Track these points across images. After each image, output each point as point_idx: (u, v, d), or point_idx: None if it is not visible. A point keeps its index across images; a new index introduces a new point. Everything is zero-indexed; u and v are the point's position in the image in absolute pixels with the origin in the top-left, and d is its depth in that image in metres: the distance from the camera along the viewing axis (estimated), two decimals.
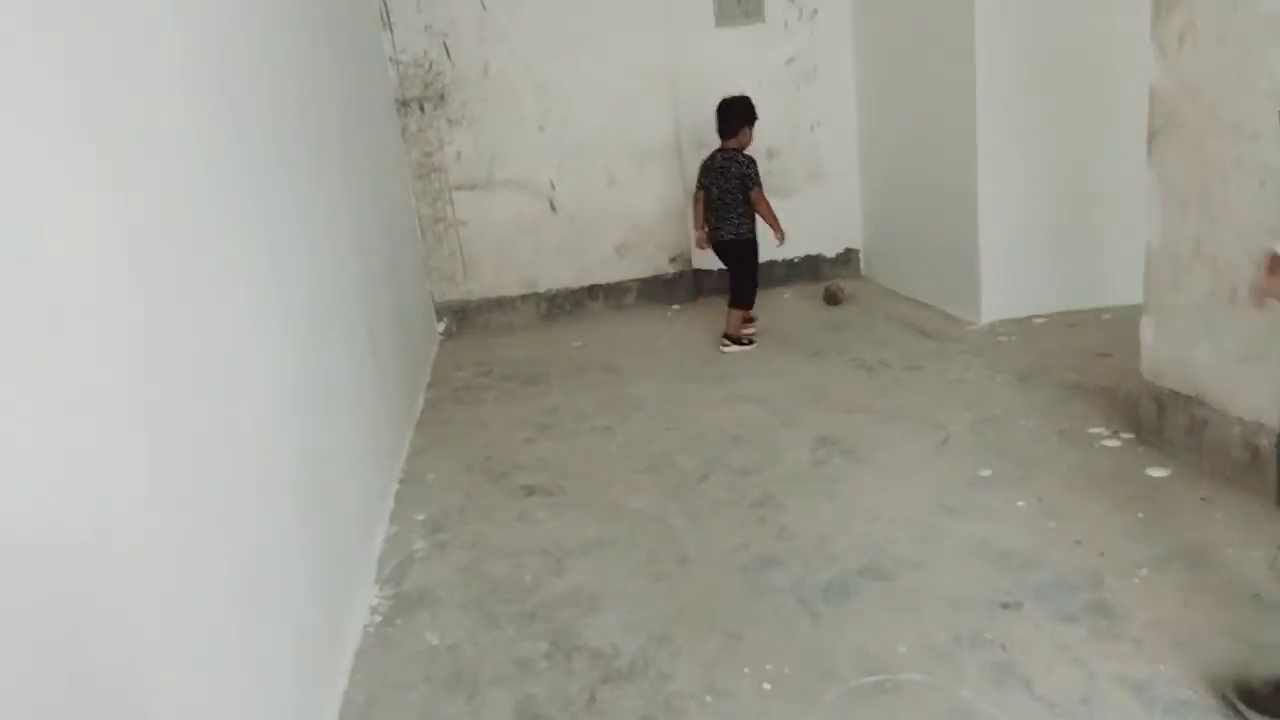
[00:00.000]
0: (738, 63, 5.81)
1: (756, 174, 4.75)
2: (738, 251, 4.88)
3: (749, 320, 5.11)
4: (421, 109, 5.50)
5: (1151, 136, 3.10)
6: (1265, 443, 2.75)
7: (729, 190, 4.77)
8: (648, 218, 5.89)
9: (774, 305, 5.80)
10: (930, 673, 2.20)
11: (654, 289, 5.97)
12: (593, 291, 5.93)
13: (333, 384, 2.89)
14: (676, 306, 5.95)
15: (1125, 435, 3.34)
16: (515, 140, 5.65)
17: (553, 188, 5.75)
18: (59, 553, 1.25)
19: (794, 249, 6.15)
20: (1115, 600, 2.40)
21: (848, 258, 6.23)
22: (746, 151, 4.78)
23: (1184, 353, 3.07)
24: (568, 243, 5.84)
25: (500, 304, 5.82)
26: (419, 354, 4.92)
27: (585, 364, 4.97)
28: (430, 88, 5.49)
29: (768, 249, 4.99)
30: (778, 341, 5.04)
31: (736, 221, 4.80)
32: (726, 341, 4.96)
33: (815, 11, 5.85)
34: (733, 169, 4.74)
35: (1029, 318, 4.86)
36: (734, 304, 4.96)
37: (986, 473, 3.21)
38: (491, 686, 2.34)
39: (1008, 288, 4.86)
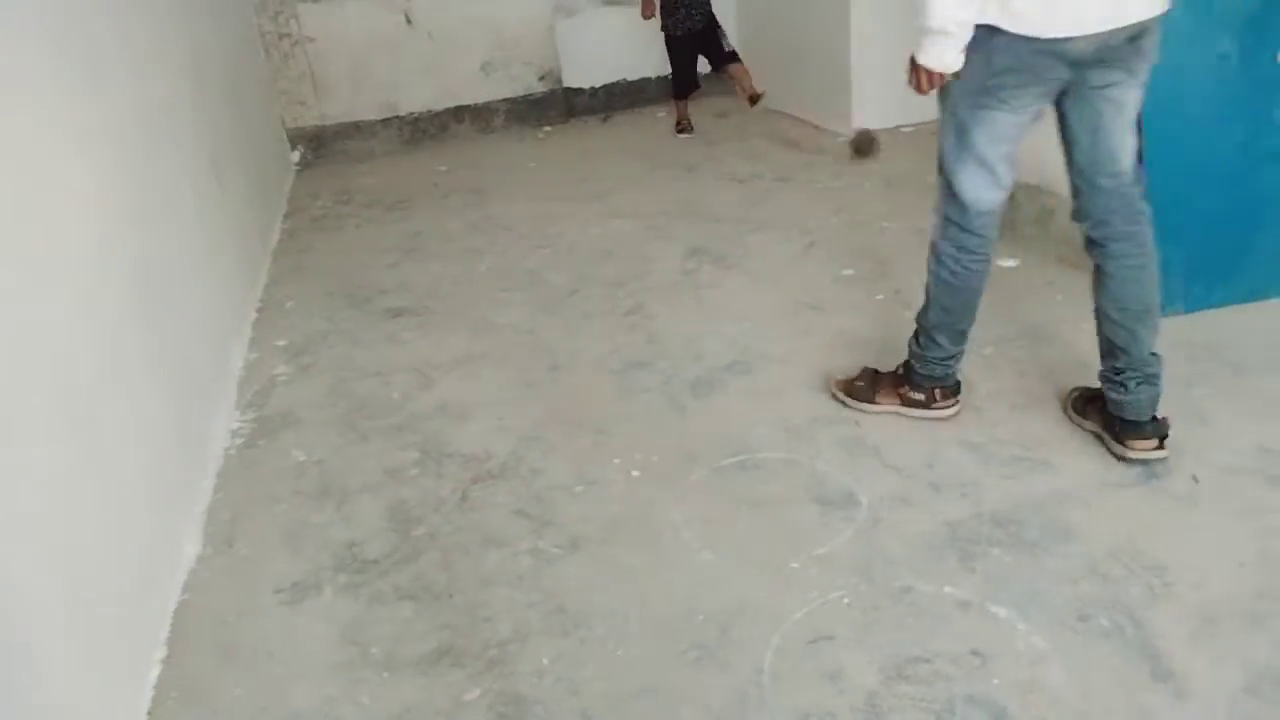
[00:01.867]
0: None
1: None
2: None
3: (680, 117, 5.39)
4: None
5: None
6: None
7: None
8: (514, 30, 5.54)
9: (647, 124, 5.66)
10: (789, 450, 2.30)
11: (523, 109, 5.71)
12: (458, 114, 5.63)
13: (169, 203, 2.67)
14: (548, 128, 5.73)
15: None
16: None
17: None
18: None
19: (666, 67, 5.95)
20: (961, 376, 2.53)
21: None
22: None
23: (1034, 145, 3.13)
24: (429, 61, 5.48)
25: (358, 129, 5.46)
26: (272, 182, 4.61)
27: (451, 188, 4.78)
28: None
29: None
30: (651, 159, 4.95)
31: None
32: None
33: None
34: None
35: (897, 127, 4.88)
36: None
37: (849, 271, 3.29)
38: (361, 494, 2.32)
39: (878, 99, 4.84)
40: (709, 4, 5.12)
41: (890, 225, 3.65)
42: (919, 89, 2.06)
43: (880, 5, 4.63)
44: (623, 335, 3.01)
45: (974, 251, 2.16)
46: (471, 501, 2.25)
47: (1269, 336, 2.55)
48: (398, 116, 5.53)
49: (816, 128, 5.12)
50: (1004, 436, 2.26)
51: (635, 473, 2.29)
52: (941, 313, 2.24)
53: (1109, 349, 2.12)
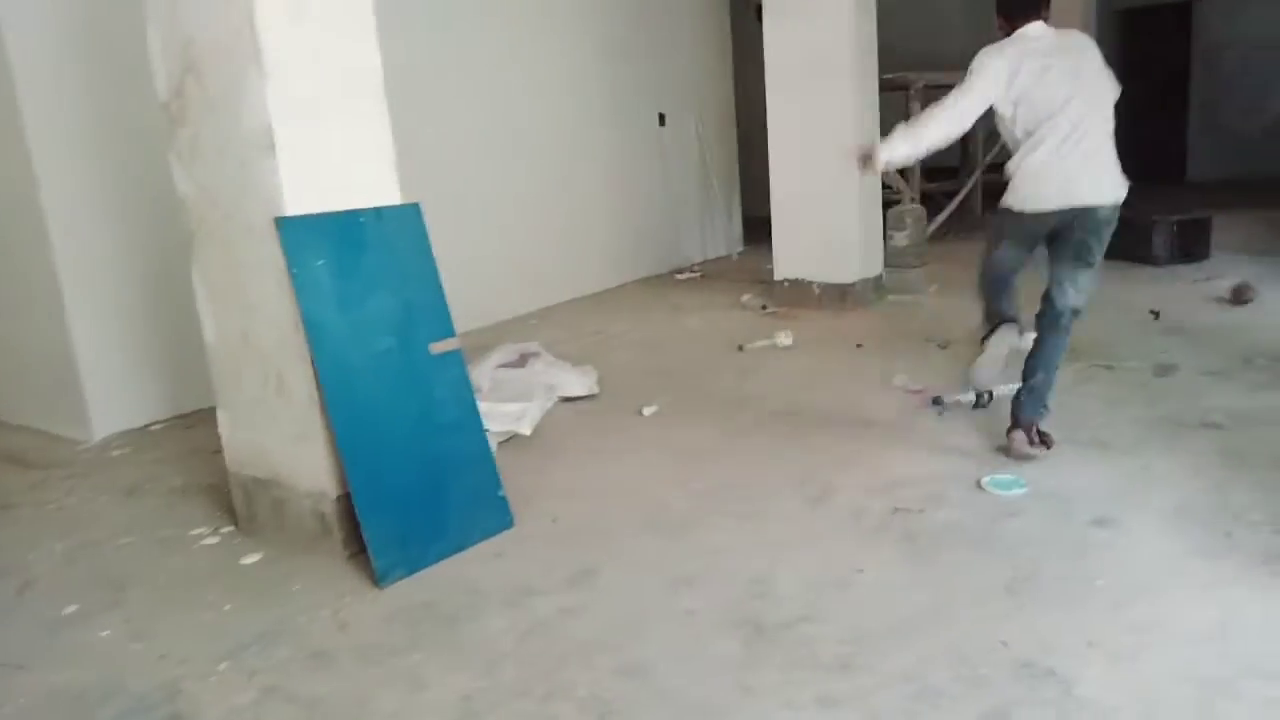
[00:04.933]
0: None
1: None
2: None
3: None
4: None
5: (190, 239, 3.20)
6: (328, 509, 3.04)
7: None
8: None
9: None
10: None
11: None
12: None
13: None
14: None
15: (225, 529, 3.37)
16: None
17: None
18: None
19: None
20: (191, 706, 2.34)
21: None
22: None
23: (255, 440, 3.22)
24: None
25: None
26: None
27: None
28: None
29: None
30: None
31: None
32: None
33: None
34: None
35: (147, 426, 4.64)
36: None
37: (72, 609, 2.89)
38: None
39: (119, 398, 4.57)
40: None
41: (128, 540, 3.35)
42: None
43: (105, 302, 4.46)
44: None
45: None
46: None
47: (467, 584, 2.88)
48: None
49: (55, 437, 4.59)
50: None
51: None
52: None
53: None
